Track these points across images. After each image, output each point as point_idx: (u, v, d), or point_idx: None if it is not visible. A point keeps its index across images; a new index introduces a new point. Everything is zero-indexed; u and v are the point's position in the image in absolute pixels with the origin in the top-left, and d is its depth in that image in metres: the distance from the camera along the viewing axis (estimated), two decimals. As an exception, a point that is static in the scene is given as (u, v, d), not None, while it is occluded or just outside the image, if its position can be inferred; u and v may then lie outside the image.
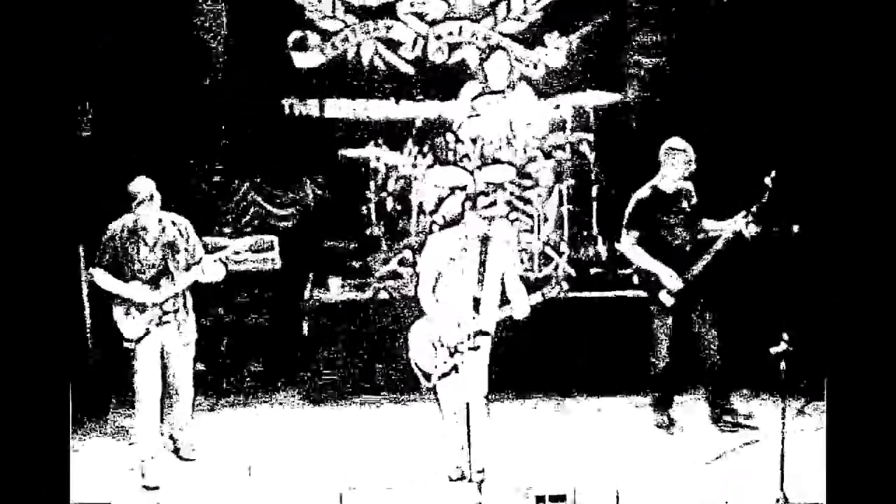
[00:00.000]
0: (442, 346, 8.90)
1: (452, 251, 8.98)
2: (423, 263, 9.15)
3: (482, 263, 8.89)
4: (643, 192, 10.16)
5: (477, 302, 8.82)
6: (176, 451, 9.86)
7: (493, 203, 9.17)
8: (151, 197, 9.33)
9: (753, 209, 9.84)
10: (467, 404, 8.53)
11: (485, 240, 8.94)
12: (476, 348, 8.82)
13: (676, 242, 10.09)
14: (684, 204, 10.13)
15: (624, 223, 10.18)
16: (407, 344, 9.14)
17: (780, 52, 11.65)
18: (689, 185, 10.17)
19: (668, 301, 10.05)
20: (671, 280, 10.02)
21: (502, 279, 9.01)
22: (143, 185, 9.32)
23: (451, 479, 9.07)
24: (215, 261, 9.56)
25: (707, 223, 10.15)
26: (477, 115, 12.19)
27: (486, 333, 8.92)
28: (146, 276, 9.44)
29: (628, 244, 10.15)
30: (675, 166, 10.08)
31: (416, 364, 9.06)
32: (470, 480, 8.63)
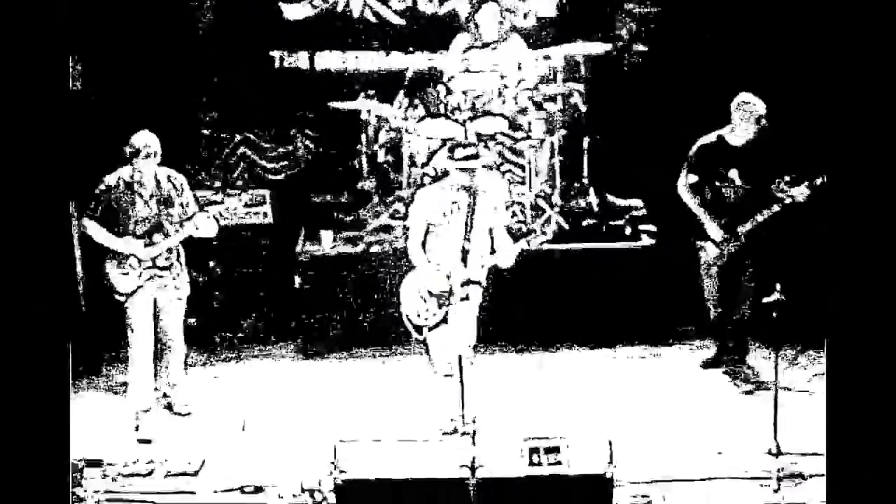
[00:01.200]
0: (431, 296, 8.98)
1: (441, 204, 9.03)
2: (412, 217, 9.20)
3: (470, 216, 8.95)
4: (708, 138, 10.15)
5: (465, 253, 8.88)
6: (169, 406, 9.88)
7: (475, 155, 9.13)
8: (155, 153, 9.34)
9: (818, 182, 9.76)
10: (459, 357, 8.56)
11: (473, 192, 8.99)
12: (465, 298, 8.87)
13: (731, 196, 10.06)
14: (749, 160, 10.05)
15: (685, 164, 10.18)
16: (399, 297, 9.18)
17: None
18: (761, 143, 10.08)
19: (712, 252, 10.07)
20: (715, 231, 10.02)
21: (491, 231, 9.05)
22: (148, 140, 9.34)
23: (444, 433, 9.09)
24: (209, 217, 9.56)
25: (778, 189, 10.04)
26: (468, 70, 12.12)
27: (477, 283, 8.98)
28: (140, 230, 9.45)
29: (682, 186, 10.20)
30: (742, 121, 10.01)
31: (407, 317, 9.13)
32: (463, 433, 8.64)
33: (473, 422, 8.62)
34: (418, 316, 9.12)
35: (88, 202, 9.55)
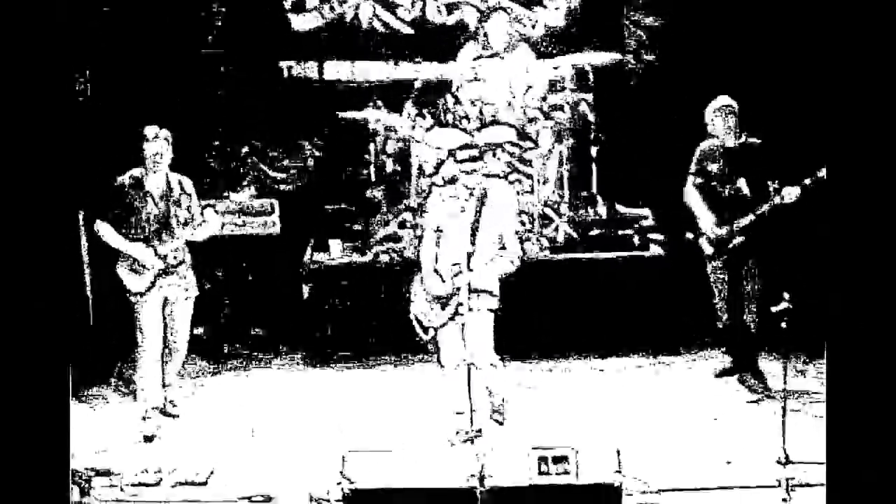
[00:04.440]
0: (435, 300, 9.06)
1: (448, 207, 9.13)
2: (425, 220, 9.35)
3: (476, 220, 9.02)
4: (706, 142, 10.30)
5: (469, 257, 8.92)
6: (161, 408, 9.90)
7: (478, 157, 9.17)
8: (166, 147, 9.44)
9: (807, 182, 9.82)
10: (468, 366, 8.58)
11: (480, 196, 9.06)
12: (461, 304, 8.91)
13: (724, 195, 10.13)
14: (743, 159, 10.14)
15: (689, 169, 10.37)
16: (409, 298, 9.27)
17: (780, 4, 11.59)
18: (755, 142, 10.20)
19: (707, 249, 10.12)
20: (710, 227, 10.08)
21: (501, 238, 9.10)
22: (161, 133, 9.43)
23: (451, 443, 9.10)
24: (216, 211, 9.63)
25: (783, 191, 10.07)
26: (476, 79, 12.13)
27: (487, 292, 9.04)
28: (150, 229, 9.51)
29: (688, 187, 10.33)
30: (716, 126, 10.20)
31: (415, 317, 9.22)
32: (471, 442, 8.64)
33: (479, 433, 8.69)
34: (425, 316, 9.20)
35: (101, 203, 9.62)
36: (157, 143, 9.49)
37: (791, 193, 9.85)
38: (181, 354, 9.90)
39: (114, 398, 10.53)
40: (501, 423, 9.45)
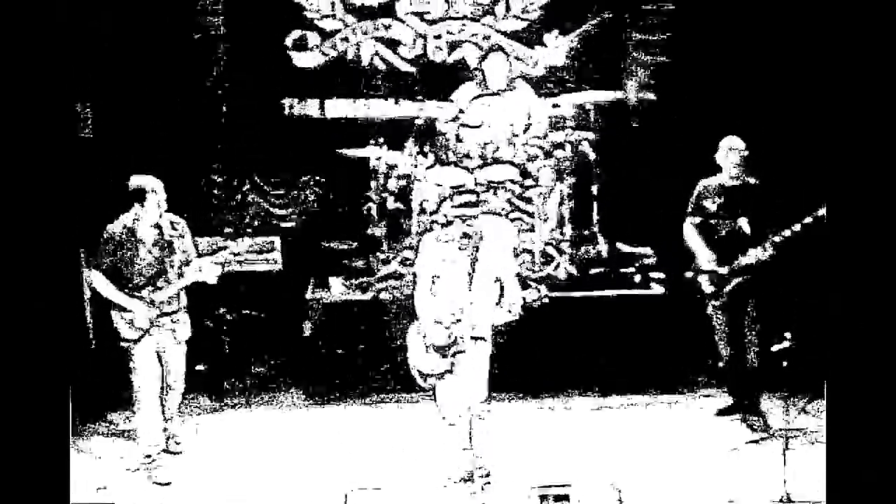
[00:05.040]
0: (434, 350, 8.87)
1: (443, 252, 8.91)
2: (417, 265, 9.10)
3: (472, 264, 8.82)
4: (705, 180, 10.35)
5: (465, 305, 8.76)
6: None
7: (473, 203, 9.04)
8: (160, 196, 9.38)
9: (807, 220, 9.84)
10: (469, 408, 8.55)
11: (476, 241, 8.84)
12: (461, 352, 8.77)
13: (721, 234, 10.14)
14: (743, 198, 10.17)
15: (688, 207, 10.41)
16: (406, 345, 9.15)
17: (781, 46, 11.64)
18: (753, 182, 10.22)
19: (706, 286, 10.11)
20: (707, 263, 10.09)
21: (500, 281, 8.94)
22: (153, 185, 9.36)
23: (454, 482, 9.06)
24: (212, 262, 9.56)
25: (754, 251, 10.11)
26: (469, 125, 12.15)
27: (481, 339, 8.86)
28: (144, 276, 9.44)
29: (686, 226, 10.36)
30: (726, 162, 10.23)
31: (413, 365, 9.04)
32: (472, 482, 8.62)
33: (485, 476, 8.66)
34: (423, 366, 9.02)
35: (93, 253, 9.56)
36: (152, 197, 9.43)
37: (792, 231, 9.86)
38: (178, 393, 9.84)
39: (108, 440, 10.51)
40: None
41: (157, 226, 9.48)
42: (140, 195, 9.36)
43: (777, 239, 9.93)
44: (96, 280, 9.46)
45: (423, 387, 9.08)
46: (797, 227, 9.84)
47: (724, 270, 10.10)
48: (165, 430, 9.81)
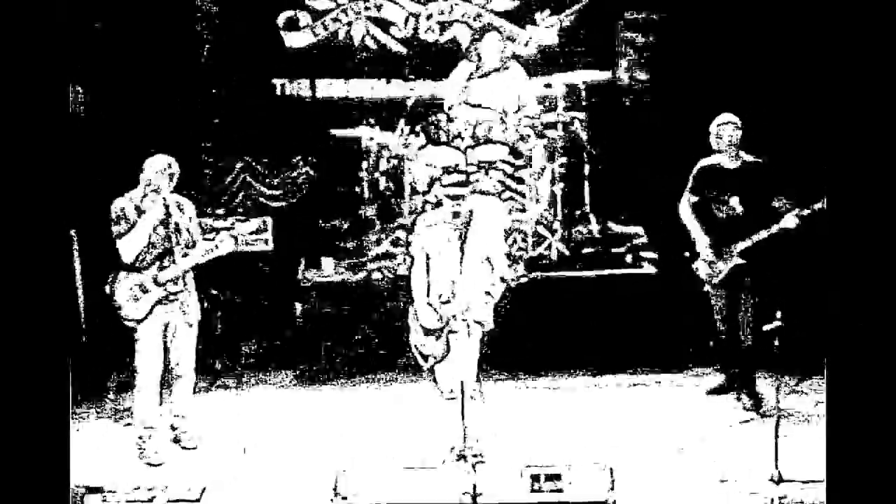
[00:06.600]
0: (427, 333, 8.90)
1: (435, 233, 8.93)
2: (413, 247, 9.13)
3: (461, 245, 8.84)
4: (706, 160, 10.24)
5: (455, 285, 8.79)
6: (176, 440, 9.81)
7: (465, 182, 9.07)
8: (172, 177, 9.36)
9: (805, 213, 9.81)
10: (462, 383, 8.55)
11: (465, 221, 8.85)
12: (452, 332, 8.81)
13: (721, 216, 10.12)
14: (745, 182, 10.11)
15: (687, 186, 10.30)
16: (406, 326, 9.18)
17: (774, 25, 11.63)
18: (758, 166, 10.14)
19: (703, 270, 10.10)
20: (705, 249, 10.07)
21: (490, 261, 8.96)
22: (171, 165, 9.33)
23: (445, 461, 9.07)
24: (216, 246, 9.53)
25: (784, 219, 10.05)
26: (468, 103, 12.14)
27: (480, 324, 8.88)
28: (151, 255, 9.40)
29: (683, 207, 10.29)
30: (721, 140, 10.12)
31: (414, 346, 9.06)
32: (465, 460, 8.63)
33: (477, 455, 8.66)
34: (423, 346, 9.06)
35: (104, 224, 9.49)
36: (164, 175, 9.38)
37: (790, 221, 9.84)
38: (189, 380, 9.76)
39: (106, 420, 10.51)
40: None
41: (165, 205, 9.43)
42: (161, 170, 9.29)
43: (775, 228, 9.89)
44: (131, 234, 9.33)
45: (423, 366, 9.11)
46: (794, 220, 9.82)
47: (722, 265, 10.06)
48: (175, 427, 9.78)
